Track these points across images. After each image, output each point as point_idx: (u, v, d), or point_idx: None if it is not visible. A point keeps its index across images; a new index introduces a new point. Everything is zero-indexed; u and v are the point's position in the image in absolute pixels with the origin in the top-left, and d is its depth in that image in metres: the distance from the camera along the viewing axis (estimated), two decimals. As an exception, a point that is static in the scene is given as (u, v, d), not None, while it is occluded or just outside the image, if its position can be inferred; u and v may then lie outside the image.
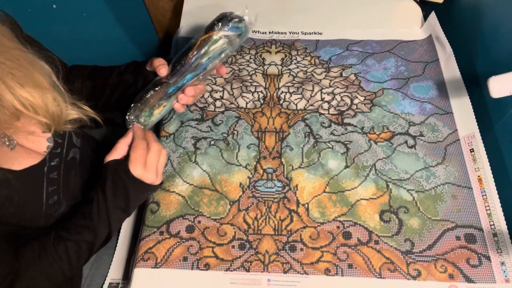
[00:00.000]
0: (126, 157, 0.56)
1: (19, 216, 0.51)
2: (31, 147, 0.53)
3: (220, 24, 0.55)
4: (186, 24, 0.91)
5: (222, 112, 0.75)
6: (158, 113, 0.61)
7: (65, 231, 0.53)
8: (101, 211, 0.54)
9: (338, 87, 0.78)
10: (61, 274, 0.52)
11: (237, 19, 0.56)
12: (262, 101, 0.77)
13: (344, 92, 0.77)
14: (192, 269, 0.59)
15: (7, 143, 0.49)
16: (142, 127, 0.60)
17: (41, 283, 0.51)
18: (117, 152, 0.56)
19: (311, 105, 0.75)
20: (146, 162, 0.55)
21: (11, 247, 0.50)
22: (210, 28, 0.56)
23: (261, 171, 0.68)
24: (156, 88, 0.58)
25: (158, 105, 0.59)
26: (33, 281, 0.51)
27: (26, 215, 0.51)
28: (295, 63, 0.82)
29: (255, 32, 0.88)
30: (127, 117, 0.60)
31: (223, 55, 0.58)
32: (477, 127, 0.68)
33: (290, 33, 0.88)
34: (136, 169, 0.54)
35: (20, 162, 0.50)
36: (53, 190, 0.54)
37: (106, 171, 0.55)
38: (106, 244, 0.57)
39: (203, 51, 0.56)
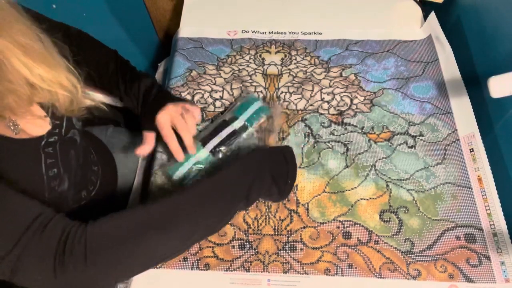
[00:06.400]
0: None
1: (22, 184, 0.50)
2: (32, 132, 0.53)
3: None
4: (186, 24, 0.91)
5: (222, 113, 0.75)
6: None
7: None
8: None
9: (338, 87, 0.78)
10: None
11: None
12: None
13: (344, 92, 0.77)
14: (192, 269, 0.59)
15: (12, 127, 0.50)
16: None
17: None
18: None
19: (311, 105, 0.75)
20: None
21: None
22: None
23: (261, 171, 0.68)
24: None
25: None
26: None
27: (29, 183, 0.51)
28: (294, 63, 0.82)
29: (255, 32, 0.88)
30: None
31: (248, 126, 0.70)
32: (477, 127, 0.68)
33: (290, 33, 0.88)
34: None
35: None
36: (52, 162, 0.55)
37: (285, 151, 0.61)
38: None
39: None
